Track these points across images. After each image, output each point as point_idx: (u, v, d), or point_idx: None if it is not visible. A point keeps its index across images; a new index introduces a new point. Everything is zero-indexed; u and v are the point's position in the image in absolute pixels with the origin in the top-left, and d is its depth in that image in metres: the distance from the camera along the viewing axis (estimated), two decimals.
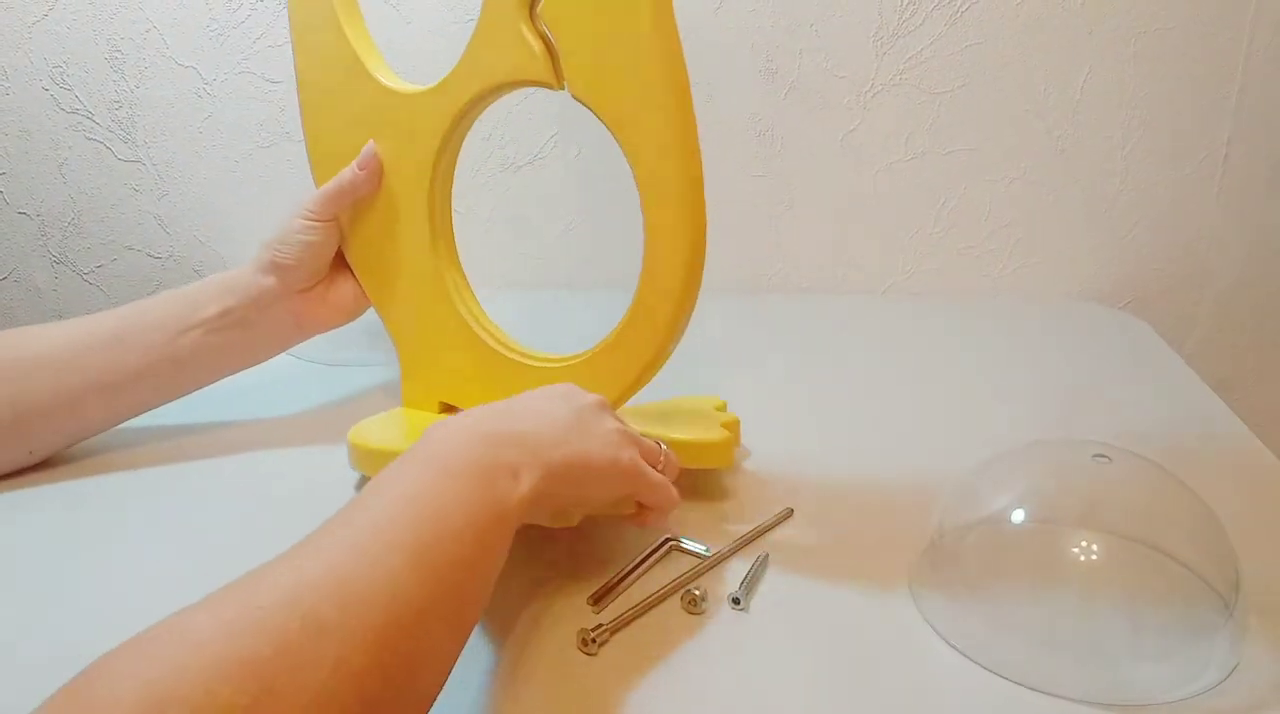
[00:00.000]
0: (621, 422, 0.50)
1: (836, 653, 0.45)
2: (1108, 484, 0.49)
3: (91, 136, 0.93)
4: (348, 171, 0.60)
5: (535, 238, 0.95)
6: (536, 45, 0.52)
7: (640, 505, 0.49)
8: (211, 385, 0.63)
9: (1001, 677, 0.43)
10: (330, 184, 0.61)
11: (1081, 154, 0.89)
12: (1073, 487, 0.50)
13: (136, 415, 0.62)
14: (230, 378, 0.63)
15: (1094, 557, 0.46)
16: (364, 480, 0.58)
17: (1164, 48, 0.85)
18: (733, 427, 0.61)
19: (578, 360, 0.57)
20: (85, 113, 0.92)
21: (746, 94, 0.89)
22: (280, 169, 0.92)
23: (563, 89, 0.53)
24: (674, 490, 0.50)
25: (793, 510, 0.56)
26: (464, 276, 0.62)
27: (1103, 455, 0.48)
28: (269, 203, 0.94)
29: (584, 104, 0.52)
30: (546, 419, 0.45)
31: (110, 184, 0.94)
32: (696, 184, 0.51)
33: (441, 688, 0.36)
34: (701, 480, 0.61)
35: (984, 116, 0.88)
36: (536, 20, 0.52)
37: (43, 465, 0.60)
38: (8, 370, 0.57)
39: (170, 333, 0.59)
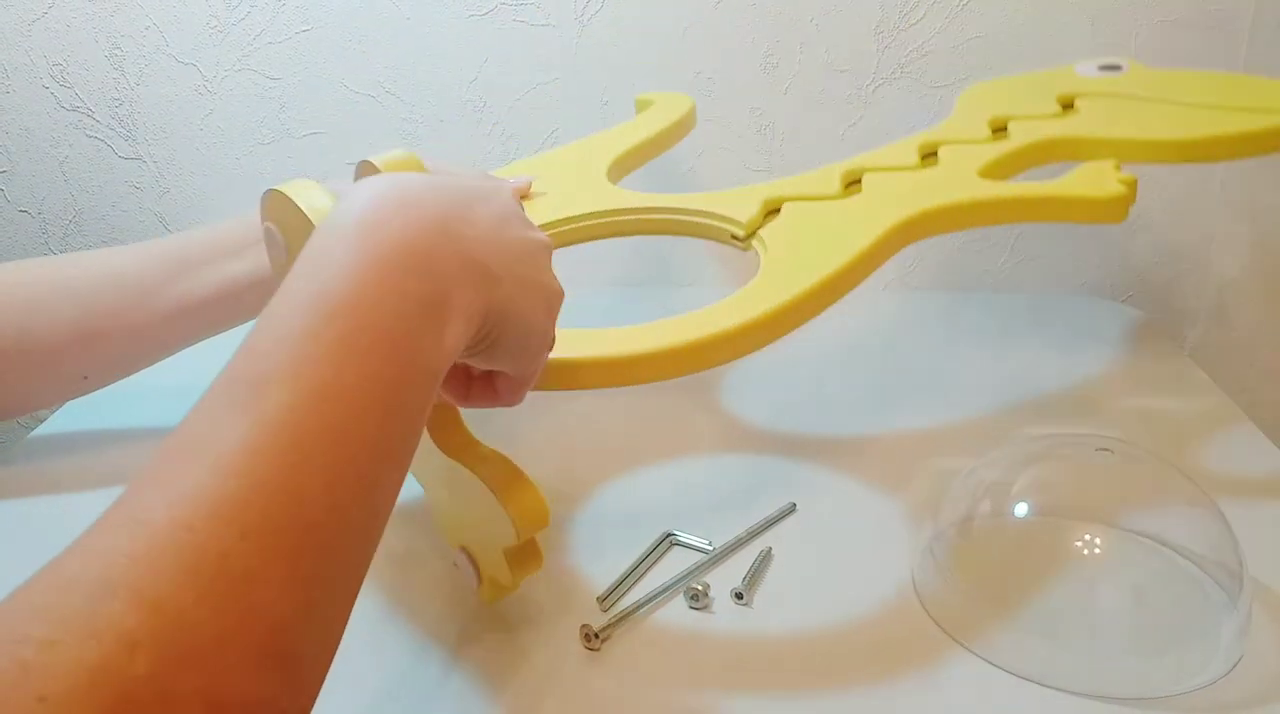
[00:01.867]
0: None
1: (840, 647, 0.45)
2: (1111, 477, 0.49)
3: (92, 134, 0.93)
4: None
5: None
6: (757, 209, 0.58)
7: (489, 383, 0.41)
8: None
9: (1005, 670, 0.43)
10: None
11: None
12: (1076, 480, 0.50)
13: (195, 343, 0.60)
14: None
15: (1097, 550, 0.46)
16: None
17: (1166, 41, 0.85)
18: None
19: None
20: (85, 110, 0.92)
21: (747, 88, 0.88)
22: (282, 166, 0.92)
23: (745, 248, 0.58)
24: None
25: (795, 505, 0.56)
26: None
27: (1106, 449, 0.48)
28: None
29: (760, 254, 0.56)
30: (494, 239, 0.35)
31: (111, 182, 0.94)
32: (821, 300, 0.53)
33: (338, 635, 0.29)
34: (703, 476, 0.61)
35: None
36: (770, 215, 0.59)
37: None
38: (66, 289, 0.56)
39: (233, 247, 0.57)
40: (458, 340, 0.33)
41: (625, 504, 0.57)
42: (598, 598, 0.48)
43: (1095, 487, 0.49)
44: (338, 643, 0.29)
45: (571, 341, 0.45)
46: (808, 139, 0.90)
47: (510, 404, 0.41)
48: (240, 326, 0.60)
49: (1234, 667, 0.43)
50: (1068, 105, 0.67)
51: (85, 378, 0.59)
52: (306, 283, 0.31)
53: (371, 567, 0.31)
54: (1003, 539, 0.48)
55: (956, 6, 0.85)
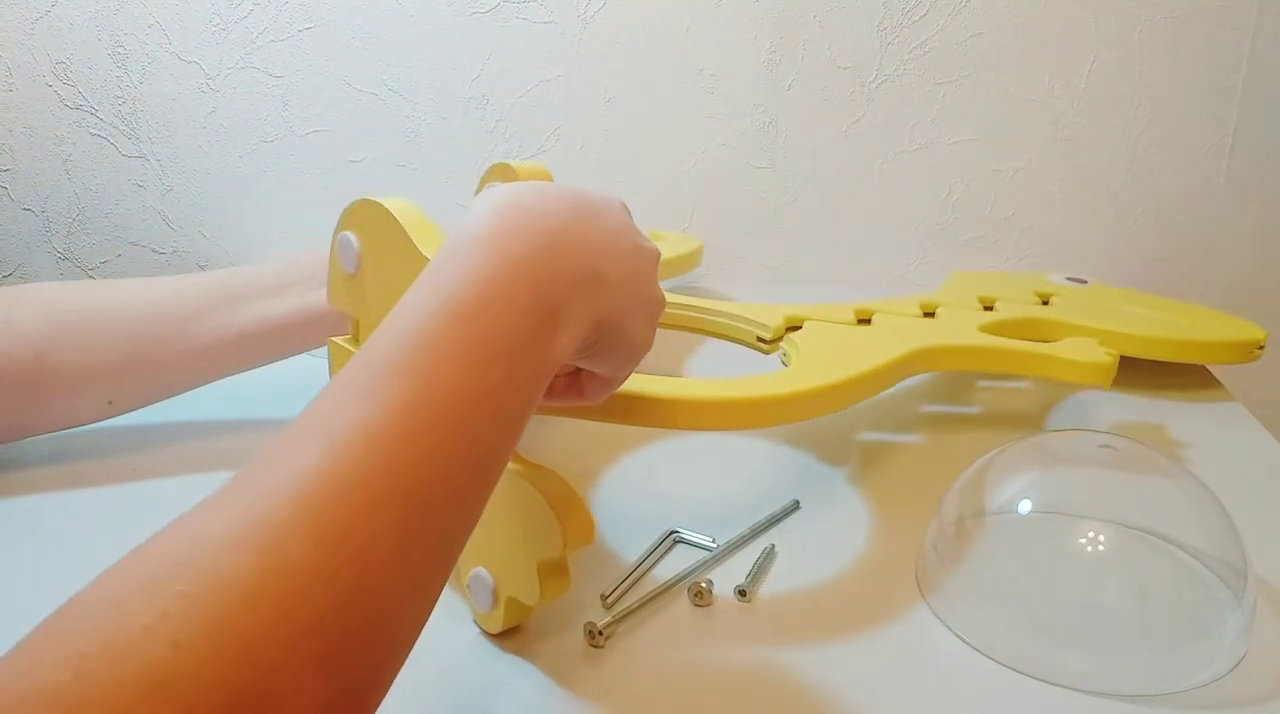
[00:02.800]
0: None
1: (843, 645, 0.45)
2: (1114, 474, 0.49)
3: (95, 132, 0.93)
4: None
5: None
6: (780, 320, 0.64)
7: (575, 381, 0.42)
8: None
9: (1008, 667, 0.43)
10: None
11: (1086, 143, 0.89)
12: (1079, 477, 0.50)
13: (226, 377, 0.61)
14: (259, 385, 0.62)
15: (1101, 547, 0.46)
16: None
17: (1169, 36, 0.85)
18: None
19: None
20: (89, 109, 0.92)
21: (750, 85, 0.88)
22: (284, 164, 0.92)
23: (769, 351, 0.63)
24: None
25: (798, 502, 0.56)
26: None
27: (1109, 445, 0.48)
28: (273, 198, 0.94)
29: (782, 358, 0.62)
30: (610, 249, 0.37)
31: (114, 180, 0.94)
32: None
33: (422, 627, 0.30)
34: (707, 474, 0.61)
35: (988, 106, 0.88)
36: (792, 329, 0.64)
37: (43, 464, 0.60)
38: (101, 316, 0.57)
39: (272, 287, 0.58)
40: (566, 348, 0.35)
41: (629, 502, 0.57)
42: (601, 595, 0.48)
43: (1099, 483, 0.49)
44: (425, 622, 0.30)
45: (672, 386, 0.48)
46: (811, 136, 0.90)
47: (594, 403, 0.43)
48: (274, 363, 0.61)
49: (1238, 663, 0.43)
50: (1044, 301, 0.76)
51: (110, 403, 0.59)
52: (430, 293, 0.32)
53: None
54: (1006, 536, 0.48)
55: (959, 3, 0.85)
